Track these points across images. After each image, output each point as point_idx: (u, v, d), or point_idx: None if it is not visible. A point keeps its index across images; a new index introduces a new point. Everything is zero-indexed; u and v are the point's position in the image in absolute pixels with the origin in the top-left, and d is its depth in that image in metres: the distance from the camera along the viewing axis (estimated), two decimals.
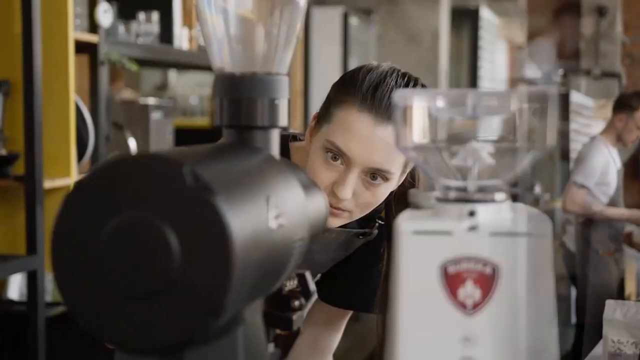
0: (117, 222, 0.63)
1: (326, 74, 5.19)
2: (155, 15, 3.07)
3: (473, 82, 7.64)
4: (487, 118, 0.74)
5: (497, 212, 0.71)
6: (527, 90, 0.71)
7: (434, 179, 0.74)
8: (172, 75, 5.93)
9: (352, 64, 6.33)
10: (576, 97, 7.51)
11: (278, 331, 0.87)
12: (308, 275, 0.89)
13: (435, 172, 0.74)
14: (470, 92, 0.72)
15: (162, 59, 3.18)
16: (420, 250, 0.70)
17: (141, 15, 3.06)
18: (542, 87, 0.72)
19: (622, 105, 4.29)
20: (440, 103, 0.72)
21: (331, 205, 1.26)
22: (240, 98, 0.82)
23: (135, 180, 0.63)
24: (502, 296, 0.68)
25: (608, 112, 8.82)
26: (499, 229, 0.69)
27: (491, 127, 0.76)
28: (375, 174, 1.25)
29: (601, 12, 9.53)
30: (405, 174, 1.34)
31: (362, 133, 1.23)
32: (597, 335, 4.43)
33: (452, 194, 0.72)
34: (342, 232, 1.39)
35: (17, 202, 2.47)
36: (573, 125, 7.25)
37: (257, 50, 0.84)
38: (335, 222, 1.30)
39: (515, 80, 9.89)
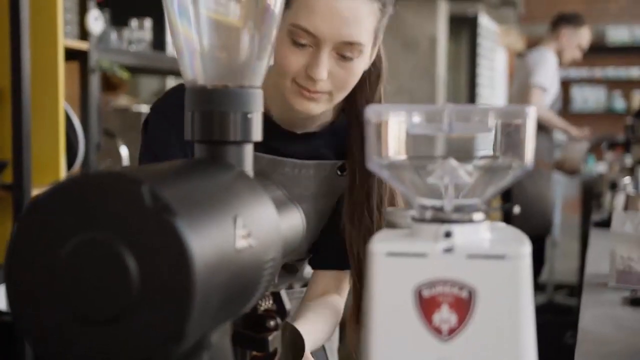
0: (73, 243, 0.60)
1: None
2: (147, 22, 3.04)
3: (472, 89, 7.61)
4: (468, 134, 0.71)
5: (475, 233, 0.68)
6: (504, 108, 0.68)
7: (410, 197, 0.71)
8: (170, 81, 5.90)
9: None
10: (484, 21, 7.51)
11: (254, 352, 0.84)
12: (283, 293, 0.86)
13: (410, 191, 0.71)
14: (446, 108, 0.69)
15: (155, 66, 3.15)
16: (394, 272, 0.67)
17: (133, 22, 3.04)
18: (519, 105, 0.69)
19: (567, 21, 4.43)
20: (416, 119, 0.69)
21: (308, 90, 1.24)
22: (212, 112, 0.79)
23: (93, 199, 0.60)
24: (479, 321, 0.66)
25: (512, 38, 8.81)
26: (475, 250, 0.66)
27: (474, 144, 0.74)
28: (346, 51, 1.22)
29: None
30: (376, 47, 1.31)
31: (325, 8, 1.19)
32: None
33: (429, 214, 0.70)
34: (321, 165, 1.37)
35: (5, 211, 2.44)
36: (479, 50, 7.30)
37: (230, 62, 0.82)
38: (316, 107, 1.27)
39: None
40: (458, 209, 0.70)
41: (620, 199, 2.99)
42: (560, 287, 5.59)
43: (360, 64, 1.25)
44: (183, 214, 0.59)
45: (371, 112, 0.69)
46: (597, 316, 1.60)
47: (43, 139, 2.48)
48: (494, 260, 0.66)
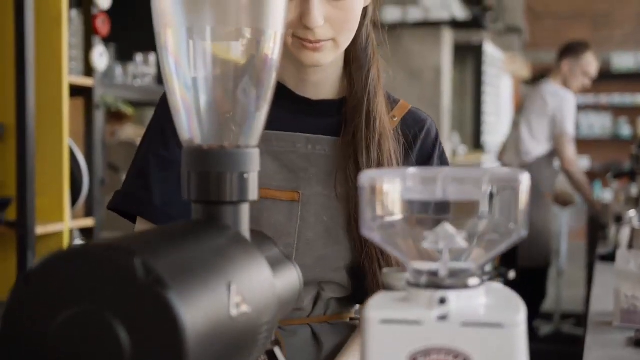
0: (66, 315, 0.60)
1: None
2: (152, 57, 3.06)
3: (477, 117, 7.63)
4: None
5: (470, 299, 0.68)
6: (497, 174, 0.68)
7: (404, 262, 0.71)
8: None
9: None
10: (489, 49, 7.52)
11: None
12: (277, 351, 0.86)
13: (405, 255, 0.71)
14: (440, 173, 0.69)
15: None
16: (388, 340, 0.67)
17: (138, 57, 3.06)
18: (513, 170, 0.69)
19: (569, 51, 4.45)
20: (409, 184, 0.69)
21: (310, 41, 1.17)
22: (209, 172, 0.79)
23: (86, 271, 0.60)
24: None
25: (517, 65, 8.84)
26: (470, 318, 0.66)
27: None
28: None
29: None
30: None
31: None
32: (530, 279, 4.47)
33: (423, 279, 0.69)
34: (337, 142, 1.25)
35: (9, 248, 2.44)
36: (484, 78, 7.31)
37: (226, 122, 0.82)
38: (324, 57, 1.19)
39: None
40: (453, 273, 0.69)
41: (625, 233, 2.98)
42: (567, 317, 5.56)
43: (356, 0, 1.18)
44: (176, 286, 0.59)
45: (365, 178, 0.69)
46: (601, 358, 1.59)
47: (47, 175, 2.49)
48: (489, 328, 0.66)
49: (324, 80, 1.28)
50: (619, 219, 3.36)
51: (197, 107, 0.81)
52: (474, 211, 0.71)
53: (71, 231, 2.64)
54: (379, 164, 1.21)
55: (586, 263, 5.34)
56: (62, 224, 2.52)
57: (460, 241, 0.69)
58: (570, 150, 4.34)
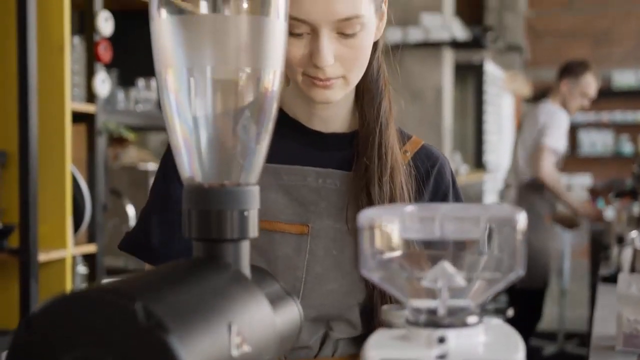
0: (68, 359, 0.60)
1: None
2: (154, 82, 3.08)
3: (478, 136, 7.64)
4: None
5: (469, 337, 0.68)
6: (494, 213, 0.69)
7: (403, 300, 0.72)
8: None
9: None
10: (490, 68, 7.53)
11: None
12: None
13: (403, 294, 0.71)
14: (438, 213, 0.70)
15: (161, 125, 3.18)
16: None
17: (140, 82, 3.07)
18: (509, 210, 0.70)
19: (568, 71, 4.44)
20: (408, 223, 0.70)
21: (320, 79, 1.16)
22: (209, 210, 0.80)
23: (87, 316, 0.61)
24: None
25: (518, 84, 8.85)
26: (470, 357, 0.66)
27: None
28: (346, 28, 1.13)
29: None
30: (384, 15, 1.23)
31: None
32: (527, 299, 4.46)
33: (422, 318, 0.70)
34: (347, 176, 1.23)
35: (12, 276, 2.45)
36: (485, 97, 7.31)
37: (227, 161, 0.83)
38: (334, 94, 1.18)
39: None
40: (452, 311, 0.70)
41: (627, 254, 2.98)
42: (571, 337, 5.54)
43: (366, 37, 1.16)
44: (177, 329, 0.60)
45: (364, 218, 0.70)
46: None
47: (50, 202, 2.50)
48: None
49: (335, 114, 1.27)
50: (620, 240, 3.35)
51: (197, 145, 0.81)
52: (472, 249, 0.72)
53: (74, 257, 2.65)
54: (392, 197, 1.20)
55: (589, 282, 5.33)
56: (65, 251, 2.52)
57: (459, 279, 0.70)
58: (546, 160, 4.32)
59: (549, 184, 4.32)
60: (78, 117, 2.65)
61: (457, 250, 0.72)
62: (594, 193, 10.24)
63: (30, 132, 2.39)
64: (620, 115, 10.18)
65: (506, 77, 8.52)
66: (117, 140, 3.47)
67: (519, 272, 0.69)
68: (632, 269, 2.92)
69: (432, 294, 0.71)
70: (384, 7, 1.22)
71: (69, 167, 2.52)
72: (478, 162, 7.58)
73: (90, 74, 2.68)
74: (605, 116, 10.23)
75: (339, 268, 1.21)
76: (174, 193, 1.23)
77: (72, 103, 2.57)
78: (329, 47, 1.13)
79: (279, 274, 1.19)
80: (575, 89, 4.41)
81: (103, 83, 2.68)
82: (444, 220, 0.69)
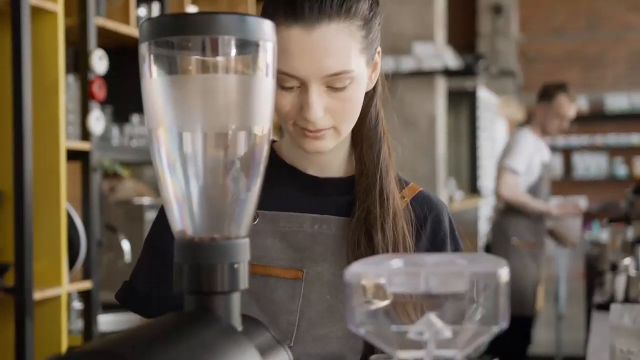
0: None
1: None
2: None
3: (472, 161, 7.67)
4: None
5: None
6: (477, 270, 0.71)
7: (390, 351, 0.73)
8: None
9: None
10: (483, 94, 7.57)
11: None
12: None
13: (391, 346, 0.73)
14: (423, 268, 0.71)
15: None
16: None
17: (134, 118, 3.10)
18: (493, 264, 0.72)
19: (543, 95, 4.44)
20: (394, 279, 0.72)
21: (310, 130, 1.16)
22: (200, 264, 0.81)
23: None
24: None
25: (511, 109, 8.86)
26: None
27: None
28: (335, 82, 1.14)
29: (497, 10, 9.66)
30: (377, 65, 1.23)
31: (298, 46, 1.12)
32: (511, 326, 4.32)
33: None
34: (344, 222, 1.24)
35: (7, 314, 2.45)
36: (478, 122, 7.33)
37: (217, 215, 0.84)
38: (325, 145, 1.19)
39: None
40: None
41: (621, 281, 2.99)
42: None
43: (357, 90, 1.17)
44: None
45: (350, 274, 0.72)
46: None
47: (45, 240, 2.51)
48: None
49: (330, 160, 1.28)
50: (614, 267, 3.37)
51: (188, 200, 0.83)
52: (458, 302, 0.73)
53: (69, 295, 2.65)
54: (395, 243, 1.21)
55: (585, 307, 5.33)
56: (60, 288, 2.53)
57: (445, 331, 0.72)
58: (503, 179, 4.31)
59: (510, 200, 4.32)
60: (73, 154, 2.67)
61: (443, 302, 0.74)
62: (588, 217, 10.28)
63: (25, 170, 2.40)
64: (614, 139, 10.24)
65: (499, 103, 8.57)
66: (113, 174, 3.49)
67: (502, 324, 0.71)
68: (626, 297, 2.93)
69: (418, 345, 0.72)
70: (377, 58, 1.23)
71: (64, 205, 2.53)
72: (472, 188, 7.61)
73: (84, 112, 2.71)
74: (599, 139, 10.29)
75: (333, 313, 1.21)
76: (167, 246, 1.24)
77: (67, 141, 2.59)
78: (318, 101, 1.14)
79: (273, 319, 1.20)
80: (550, 111, 4.40)
81: (97, 121, 2.70)
82: (429, 275, 0.71)
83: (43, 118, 2.52)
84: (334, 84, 1.14)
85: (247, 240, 0.84)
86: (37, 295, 2.43)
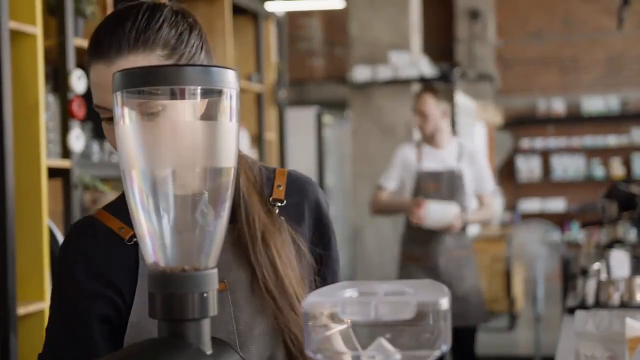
0: None
1: (302, 172, 5.32)
2: None
3: None
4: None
5: None
6: (421, 300, 0.78)
7: None
8: None
9: (328, 160, 6.49)
10: (461, 99, 7.68)
11: None
12: None
13: None
14: (373, 298, 0.79)
15: None
16: None
17: None
18: (436, 293, 0.79)
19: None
20: (347, 308, 0.79)
21: None
22: (172, 293, 0.89)
23: None
24: None
25: (489, 113, 8.93)
26: None
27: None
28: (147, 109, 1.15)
29: (474, 15, 9.78)
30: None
31: (101, 80, 1.19)
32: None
33: None
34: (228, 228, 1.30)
35: None
36: (457, 127, 7.39)
37: (187, 247, 0.92)
38: None
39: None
40: None
41: (591, 285, 3.06)
42: None
43: (173, 117, 1.18)
44: None
45: (307, 304, 0.79)
46: None
47: (27, 257, 2.57)
48: None
49: None
50: (584, 272, 3.45)
51: (160, 234, 0.91)
52: (406, 328, 0.81)
53: None
54: (273, 263, 1.26)
55: (561, 308, 5.43)
56: (43, 303, 2.59)
57: (395, 355, 0.79)
58: (372, 197, 4.27)
59: (376, 209, 4.22)
60: (54, 172, 2.73)
61: (392, 328, 0.81)
62: (567, 217, 10.42)
63: (7, 188, 2.46)
64: (591, 140, 10.38)
65: (477, 107, 8.68)
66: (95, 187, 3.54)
67: (444, 348, 0.79)
68: (597, 301, 3.01)
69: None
70: None
71: (46, 222, 2.59)
72: None
73: (64, 130, 2.77)
74: (576, 141, 10.42)
75: (262, 311, 1.27)
76: (77, 306, 1.24)
77: (48, 159, 2.65)
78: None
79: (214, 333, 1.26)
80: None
81: (78, 139, 2.76)
82: (379, 304, 0.79)
83: (24, 137, 2.57)
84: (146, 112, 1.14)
85: (215, 271, 0.92)
86: (21, 310, 2.49)
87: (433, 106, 4.15)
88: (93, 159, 3.01)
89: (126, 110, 0.89)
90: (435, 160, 4.19)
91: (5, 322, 2.41)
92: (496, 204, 4.36)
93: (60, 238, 2.67)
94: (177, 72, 0.87)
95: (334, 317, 0.80)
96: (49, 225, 2.64)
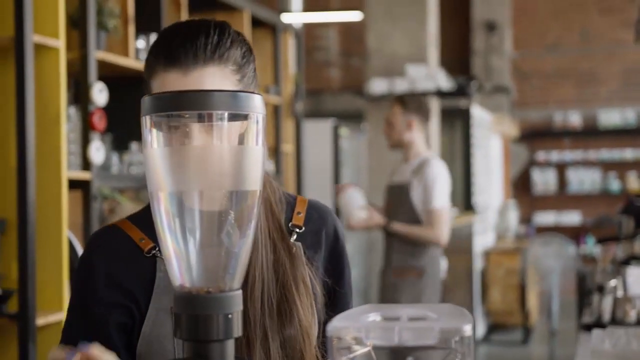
0: None
1: (318, 184, 5.34)
2: None
3: (467, 178, 7.75)
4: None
5: None
6: (446, 325, 0.79)
7: None
8: None
9: (344, 173, 6.51)
10: (477, 112, 7.66)
11: None
12: None
13: None
14: (396, 323, 0.80)
15: None
16: None
17: (134, 146, 3.19)
18: (459, 319, 0.81)
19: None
20: (371, 333, 0.81)
21: None
22: (197, 315, 0.90)
23: None
24: None
25: (505, 125, 8.86)
26: None
27: None
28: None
29: (491, 27, 9.75)
30: None
31: (175, 86, 1.20)
32: None
33: None
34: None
35: (11, 340, 2.53)
36: (472, 140, 7.36)
37: (212, 269, 0.93)
38: None
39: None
40: None
41: (608, 302, 3.05)
42: None
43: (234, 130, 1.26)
44: None
45: (332, 329, 0.80)
46: None
47: (48, 267, 2.59)
48: None
49: None
50: (601, 289, 3.44)
51: (186, 255, 0.92)
52: (429, 353, 0.82)
53: None
54: (283, 283, 1.27)
55: (577, 323, 5.41)
56: (62, 314, 2.61)
57: None
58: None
59: (357, 227, 4.14)
60: (74, 183, 2.76)
61: (415, 352, 0.82)
62: (583, 231, 10.37)
63: (29, 199, 2.49)
64: (607, 154, 10.33)
65: (493, 120, 8.67)
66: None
67: None
68: (613, 318, 3.00)
69: None
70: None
71: (66, 233, 2.62)
72: (467, 204, 7.69)
73: (85, 142, 2.80)
74: (593, 155, 10.38)
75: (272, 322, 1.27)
76: (95, 313, 1.25)
77: (68, 171, 2.68)
78: (198, 138, 1.15)
79: None
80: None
81: (98, 151, 2.79)
82: (403, 329, 0.80)
83: (45, 149, 2.60)
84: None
85: (239, 292, 0.93)
86: (40, 321, 2.52)
87: (398, 116, 4.08)
88: (112, 171, 3.04)
89: (154, 133, 0.91)
90: (399, 173, 4.16)
91: (25, 332, 2.44)
92: (442, 225, 3.96)
93: (80, 249, 2.70)
94: (205, 97, 0.89)
95: (358, 341, 0.81)
96: (69, 237, 2.67)
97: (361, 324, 0.81)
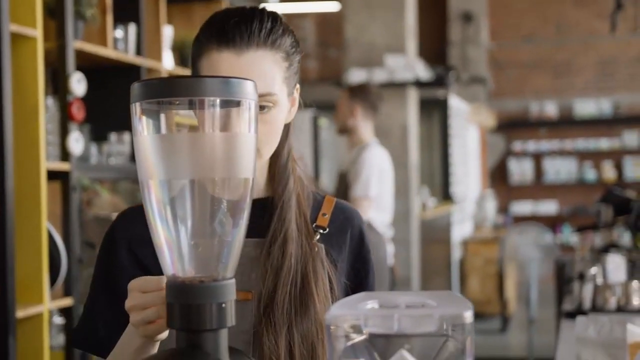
0: None
1: None
2: (126, 136, 3.16)
3: (445, 168, 7.78)
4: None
5: None
6: (446, 312, 0.78)
7: None
8: None
9: (323, 163, 6.50)
10: (454, 102, 7.71)
11: None
12: None
13: None
14: (395, 311, 0.79)
15: (133, 177, 3.26)
16: None
17: (112, 136, 3.15)
18: (459, 306, 0.80)
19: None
20: (369, 321, 0.79)
21: None
22: (190, 304, 0.89)
23: None
24: None
25: (482, 115, 8.90)
26: None
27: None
28: (261, 100, 1.19)
29: (467, 18, 9.80)
30: (296, 101, 1.31)
31: (228, 69, 1.20)
32: None
33: None
34: (261, 243, 1.27)
35: None
36: (450, 130, 7.40)
37: (205, 258, 0.92)
38: None
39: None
40: None
41: (588, 290, 3.07)
42: None
43: (279, 115, 1.24)
44: None
45: (330, 317, 0.79)
46: None
47: (27, 260, 2.56)
48: None
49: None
50: (581, 276, 3.45)
51: (178, 244, 0.91)
52: (428, 340, 0.81)
53: (50, 312, 2.71)
54: (279, 266, 1.25)
55: (555, 311, 5.45)
56: (42, 306, 2.58)
57: None
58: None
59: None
60: (53, 174, 2.72)
61: (414, 340, 0.81)
62: (559, 220, 10.45)
63: (7, 191, 2.45)
64: (583, 143, 10.41)
65: (470, 110, 8.70)
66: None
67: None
68: (593, 305, 3.02)
69: None
70: (296, 94, 1.31)
71: (45, 224, 2.59)
72: (445, 194, 7.71)
73: (64, 133, 2.76)
74: (569, 144, 10.45)
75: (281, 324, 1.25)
76: (122, 288, 1.20)
77: (47, 162, 2.65)
78: None
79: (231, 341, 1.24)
80: None
81: (77, 142, 2.76)
82: (402, 317, 0.79)
83: (24, 140, 2.57)
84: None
85: (233, 281, 0.92)
86: (20, 313, 2.49)
87: (344, 101, 4.10)
88: (91, 161, 3.01)
89: (144, 120, 0.89)
90: (346, 161, 4.19)
91: (5, 325, 2.41)
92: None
93: (59, 241, 2.66)
94: (197, 83, 0.88)
95: (356, 329, 0.80)
96: (48, 228, 2.63)
97: (360, 312, 0.80)
